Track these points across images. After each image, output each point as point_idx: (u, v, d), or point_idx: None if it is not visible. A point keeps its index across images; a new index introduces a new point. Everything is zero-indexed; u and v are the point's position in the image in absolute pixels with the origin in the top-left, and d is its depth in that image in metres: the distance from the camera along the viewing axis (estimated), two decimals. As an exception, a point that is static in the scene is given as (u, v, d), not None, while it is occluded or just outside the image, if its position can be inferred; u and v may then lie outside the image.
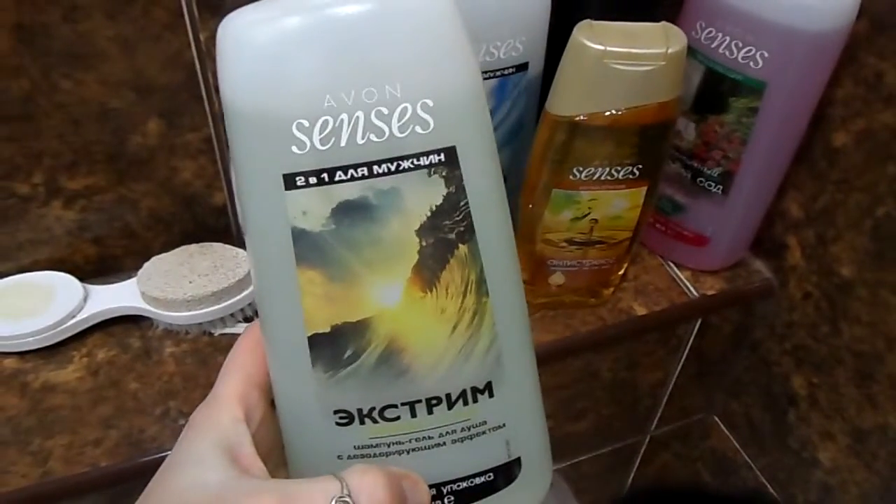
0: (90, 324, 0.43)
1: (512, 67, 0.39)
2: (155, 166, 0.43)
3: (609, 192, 0.39)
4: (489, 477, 0.26)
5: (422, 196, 0.23)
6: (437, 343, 0.24)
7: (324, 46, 0.22)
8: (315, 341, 0.23)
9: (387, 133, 0.22)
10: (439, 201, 0.23)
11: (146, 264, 0.44)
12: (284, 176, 0.22)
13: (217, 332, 0.44)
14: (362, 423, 0.24)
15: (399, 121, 0.22)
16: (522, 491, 0.27)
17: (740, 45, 0.40)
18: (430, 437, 0.25)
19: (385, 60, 0.22)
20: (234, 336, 0.43)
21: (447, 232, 0.23)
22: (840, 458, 0.52)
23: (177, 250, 0.45)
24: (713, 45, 0.41)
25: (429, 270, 0.23)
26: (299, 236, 0.22)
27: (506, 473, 0.26)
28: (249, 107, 0.22)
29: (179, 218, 0.46)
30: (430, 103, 0.22)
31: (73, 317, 0.43)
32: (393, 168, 0.22)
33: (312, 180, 0.22)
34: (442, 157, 0.23)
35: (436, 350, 0.24)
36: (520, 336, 0.26)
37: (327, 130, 0.22)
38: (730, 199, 0.45)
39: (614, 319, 0.47)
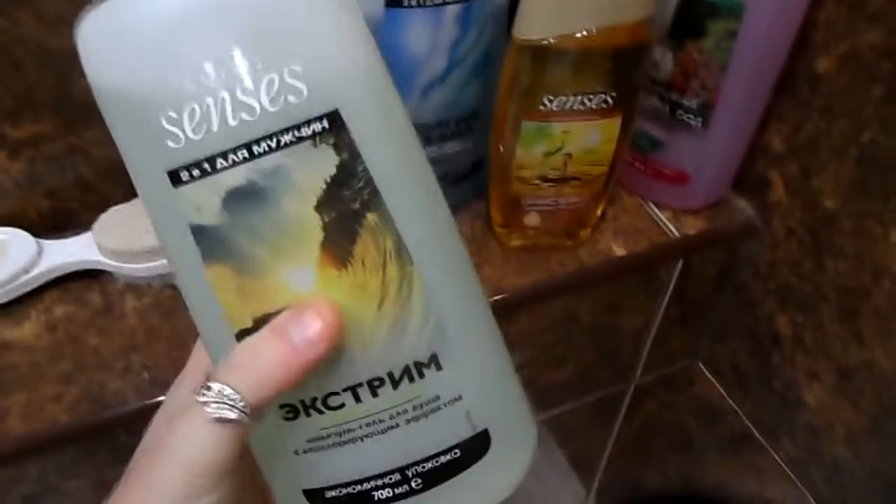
0: (45, 279, 0.42)
1: (477, -8, 0.37)
2: (105, 112, 0.41)
3: (582, 123, 0.38)
4: (455, 454, 0.24)
5: (312, 169, 0.21)
6: (366, 321, 0.22)
7: (170, 26, 0.20)
8: (242, 338, 0.22)
9: (258, 109, 0.20)
10: (333, 171, 0.21)
11: (102, 216, 0.42)
12: (169, 173, 0.21)
13: (180, 284, 0.43)
14: (308, 415, 0.23)
15: (268, 94, 0.20)
16: (497, 467, 0.25)
17: (717, -38, 0.38)
18: (381, 420, 0.23)
19: (238, 31, 0.20)
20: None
21: (350, 202, 0.21)
22: (825, 398, 0.51)
23: (135, 200, 0.43)
24: (689, -35, 0.39)
25: (338, 246, 0.22)
26: (199, 232, 0.21)
27: (473, 448, 0.24)
28: (122, 94, 0.20)
29: (136, 168, 0.44)
30: (298, 69, 0.20)
31: (27, 272, 0.41)
32: (273, 145, 0.21)
33: (196, 173, 0.21)
34: (325, 123, 0.21)
35: (365, 328, 0.22)
36: (466, 300, 0.24)
37: (196, 118, 0.20)
38: (710, 133, 0.44)
39: (593, 261, 0.45)
